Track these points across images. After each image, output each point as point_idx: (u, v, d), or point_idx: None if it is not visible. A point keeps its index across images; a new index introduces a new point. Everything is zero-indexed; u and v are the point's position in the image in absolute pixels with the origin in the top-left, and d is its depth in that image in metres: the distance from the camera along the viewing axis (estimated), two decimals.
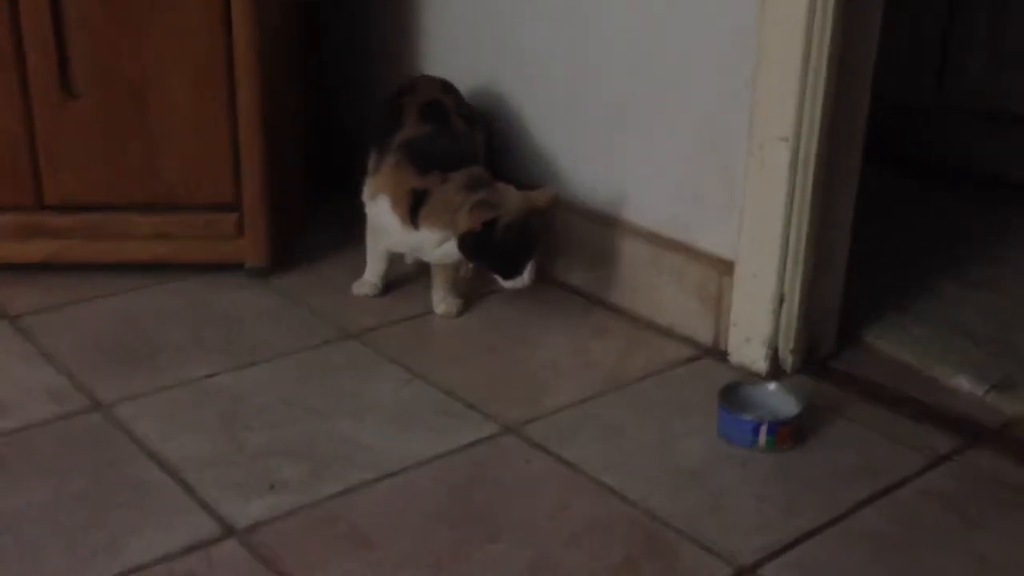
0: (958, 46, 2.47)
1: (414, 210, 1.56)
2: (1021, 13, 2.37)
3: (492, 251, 1.52)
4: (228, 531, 1.14)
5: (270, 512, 1.17)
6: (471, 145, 1.67)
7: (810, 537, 1.15)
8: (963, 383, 1.48)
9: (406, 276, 1.78)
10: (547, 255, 1.59)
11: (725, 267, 1.53)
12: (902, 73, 2.46)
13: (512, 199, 1.53)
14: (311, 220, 2.03)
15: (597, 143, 1.69)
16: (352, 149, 2.31)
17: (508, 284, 1.54)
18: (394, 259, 1.73)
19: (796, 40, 1.36)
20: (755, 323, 1.50)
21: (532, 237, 1.53)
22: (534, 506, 1.20)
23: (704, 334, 1.58)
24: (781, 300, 1.47)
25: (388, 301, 1.72)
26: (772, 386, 1.40)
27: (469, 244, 1.52)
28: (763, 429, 1.30)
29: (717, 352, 1.56)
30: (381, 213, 1.61)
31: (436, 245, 1.57)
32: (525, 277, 1.53)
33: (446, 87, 1.75)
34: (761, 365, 1.50)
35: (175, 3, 1.63)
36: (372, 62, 2.15)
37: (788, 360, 1.50)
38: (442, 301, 1.66)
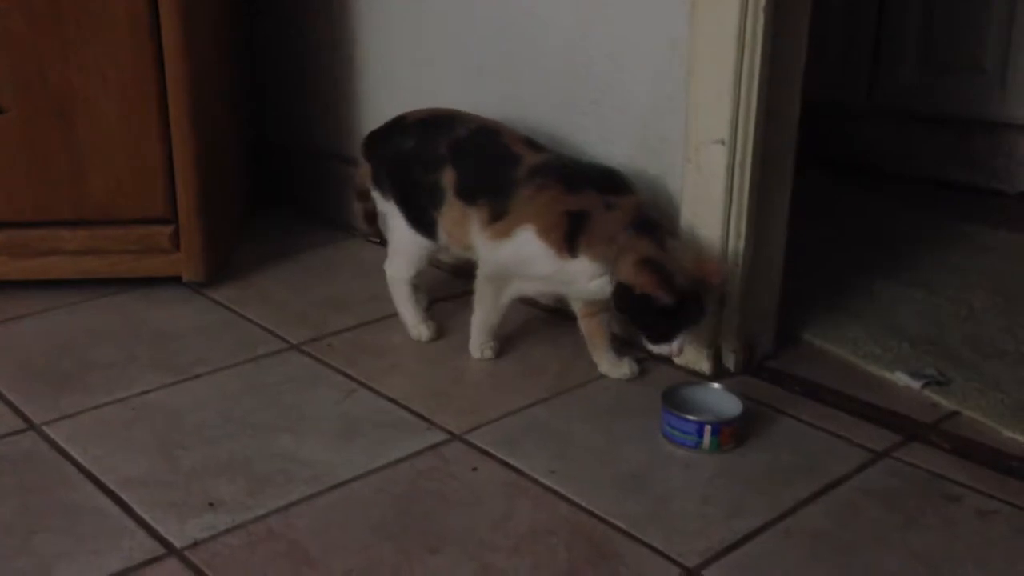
0: (889, 50, 2.53)
1: (572, 236, 1.39)
2: (950, 18, 2.43)
3: (648, 316, 1.37)
4: (167, 551, 1.11)
5: (209, 530, 1.14)
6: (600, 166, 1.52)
7: (754, 537, 1.16)
8: (900, 380, 1.50)
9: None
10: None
11: None
12: (834, 76, 2.51)
13: (683, 267, 1.36)
14: (247, 231, 2.00)
15: None
16: (287, 160, 2.28)
17: (655, 349, 1.41)
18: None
19: (729, 43, 1.37)
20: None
21: (694, 314, 1.37)
22: (478, 515, 1.19)
23: None
24: (722, 301, 1.48)
25: (329, 312, 1.70)
26: (715, 386, 1.41)
27: (624, 299, 1.37)
28: (707, 430, 1.31)
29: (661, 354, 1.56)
30: (522, 248, 1.43)
31: (590, 278, 1.41)
32: (675, 347, 1.39)
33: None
34: (705, 366, 1.51)
35: (102, 17, 1.60)
36: (306, 73, 2.13)
37: (731, 360, 1.52)
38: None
